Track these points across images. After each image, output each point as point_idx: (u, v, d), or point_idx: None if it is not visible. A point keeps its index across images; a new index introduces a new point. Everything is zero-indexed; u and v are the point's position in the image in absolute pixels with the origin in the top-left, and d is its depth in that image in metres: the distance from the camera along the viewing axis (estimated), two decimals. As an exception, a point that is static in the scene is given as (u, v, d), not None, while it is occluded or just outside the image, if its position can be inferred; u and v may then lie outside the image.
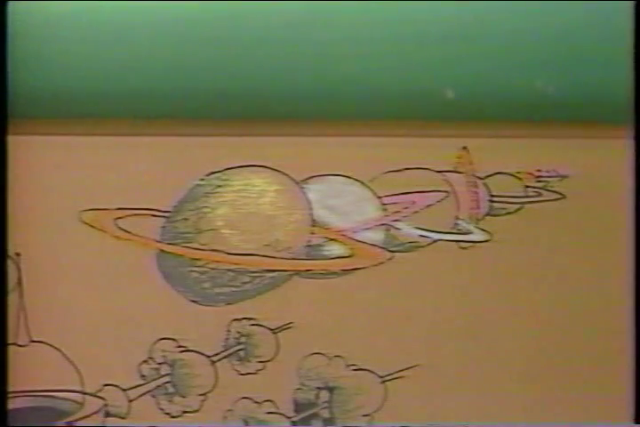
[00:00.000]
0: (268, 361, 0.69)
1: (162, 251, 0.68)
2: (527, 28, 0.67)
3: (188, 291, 0.68)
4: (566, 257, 0.70)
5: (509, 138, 0.69)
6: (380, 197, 0.69)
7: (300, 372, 0.69)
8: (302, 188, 0.69)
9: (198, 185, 0.68)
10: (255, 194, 0.68)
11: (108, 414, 0.69)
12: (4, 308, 0.66)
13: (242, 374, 0.69)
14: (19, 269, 0.68)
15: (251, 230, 0.68)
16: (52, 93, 0.66)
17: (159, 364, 0.69)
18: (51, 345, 0.68)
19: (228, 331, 0.69)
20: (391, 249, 0.69)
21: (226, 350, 0.69)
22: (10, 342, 0.67)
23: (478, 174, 0.69)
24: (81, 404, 0.69)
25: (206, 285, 0.68)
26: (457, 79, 0.67)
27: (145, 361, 0.69)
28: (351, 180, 0.69)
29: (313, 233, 0.69)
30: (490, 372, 0.70)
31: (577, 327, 0.70)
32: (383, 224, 0.69)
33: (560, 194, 0.69)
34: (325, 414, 0.70)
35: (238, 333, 0.69)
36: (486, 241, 0.69)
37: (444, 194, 0.69)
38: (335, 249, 0.69)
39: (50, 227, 0.68)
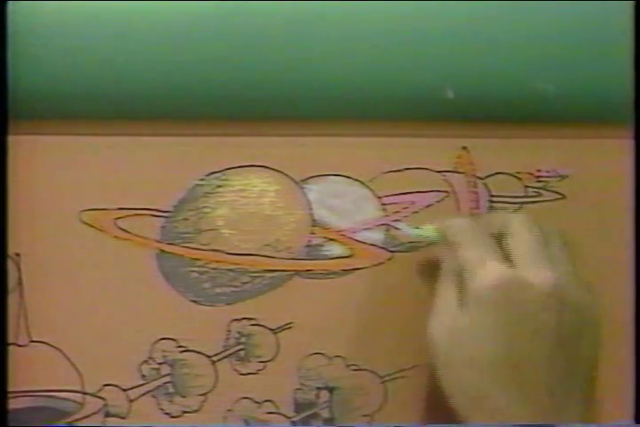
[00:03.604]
0: (268, 361, 0.69)
1: (162, 251, 0.68)
2: (527, 28, 0.66)
3: (188, 291, 0.69)
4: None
5: (509, 138, 0.69)
6: (379, 197, 0.69)
7: (300, 372, 0.69)
8: (302, 188, 0.69)
9: (198, 185, 0.68)
10: (255, 194, 0.69)
11: (108, 414, 0.69)
12: (4, 308, 0.66)
13: (242, 374, 0.69)
14: (19, 270, 0.68)
15: (251, 230, 0.69)
16: (52, 93, 0.66)
17: (159, 364, 0.69)
18: (51, 345, 0.68)
19: (228, 331, 0.69)
20: (391, 249, 0.69)
21: (226, 350, 0.69)
22: (10, 342, 0.67)
23: (478, 174, 0.69)
24: (81, 404, 0.69)
25: (206, 285, 0.68)
26: (457, 79, 0.67)
27: (145, 361, 0.69)
28: (351, 180, 0.69)
29: (313, 233, 0.69)
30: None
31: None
32: (383, 224, 0.69)
33: (560, 194, 0.70)
34: (325, 414, 0.70)
35: (238, 333, 0.69)
36: (486, 241, 0.69)
37: (444, 194, 0.69)
38: (335, 249, 0.69)
39: (50, 227, 0.68)
